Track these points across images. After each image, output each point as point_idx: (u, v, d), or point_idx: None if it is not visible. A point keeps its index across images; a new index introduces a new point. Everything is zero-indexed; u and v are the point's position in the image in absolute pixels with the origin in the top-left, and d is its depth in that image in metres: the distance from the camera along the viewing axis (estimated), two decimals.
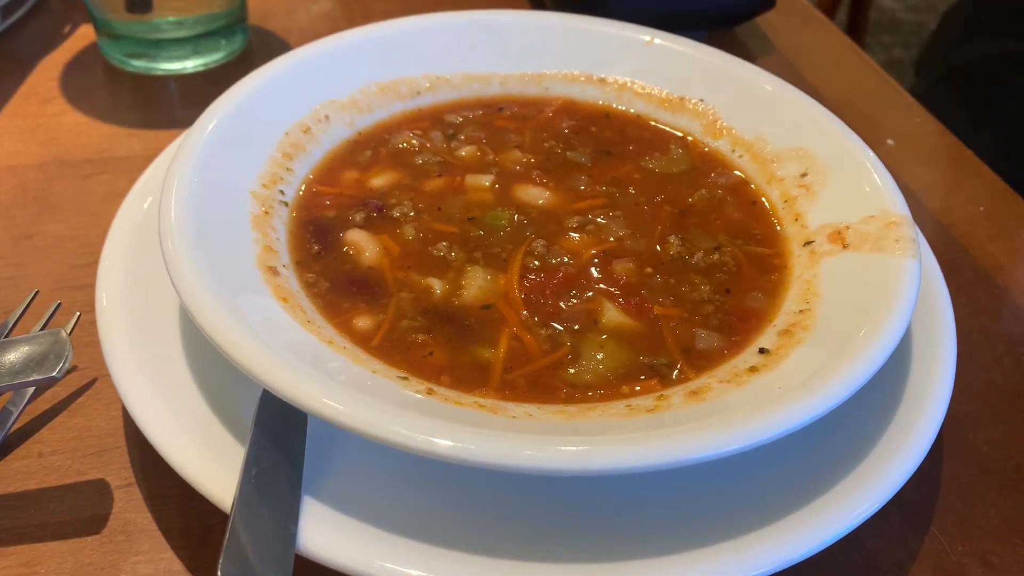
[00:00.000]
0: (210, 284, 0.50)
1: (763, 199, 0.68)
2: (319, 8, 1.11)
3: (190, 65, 0.94)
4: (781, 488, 0.49)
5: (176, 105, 0.92)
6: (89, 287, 0.60)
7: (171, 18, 0.92)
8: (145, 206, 0.63)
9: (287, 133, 0.67)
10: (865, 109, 0.99)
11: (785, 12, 1.11)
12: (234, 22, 0.96)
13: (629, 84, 0.77)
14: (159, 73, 0.94)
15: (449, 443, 0.42)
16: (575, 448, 0.42)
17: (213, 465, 0.48)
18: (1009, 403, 0.64)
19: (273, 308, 0.53)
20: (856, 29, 2.66)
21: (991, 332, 0.70)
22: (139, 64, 0.94)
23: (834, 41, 1.14)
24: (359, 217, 0.64)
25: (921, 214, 0.82)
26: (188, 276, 0.50)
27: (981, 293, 0.74)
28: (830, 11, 2.64)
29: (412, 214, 0.65)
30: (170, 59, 0.94)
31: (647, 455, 0.42)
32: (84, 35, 0.99)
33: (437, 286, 0.59)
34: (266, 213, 0.60)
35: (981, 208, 0.84)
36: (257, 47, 1.01)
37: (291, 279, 0.57)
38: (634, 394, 0.52)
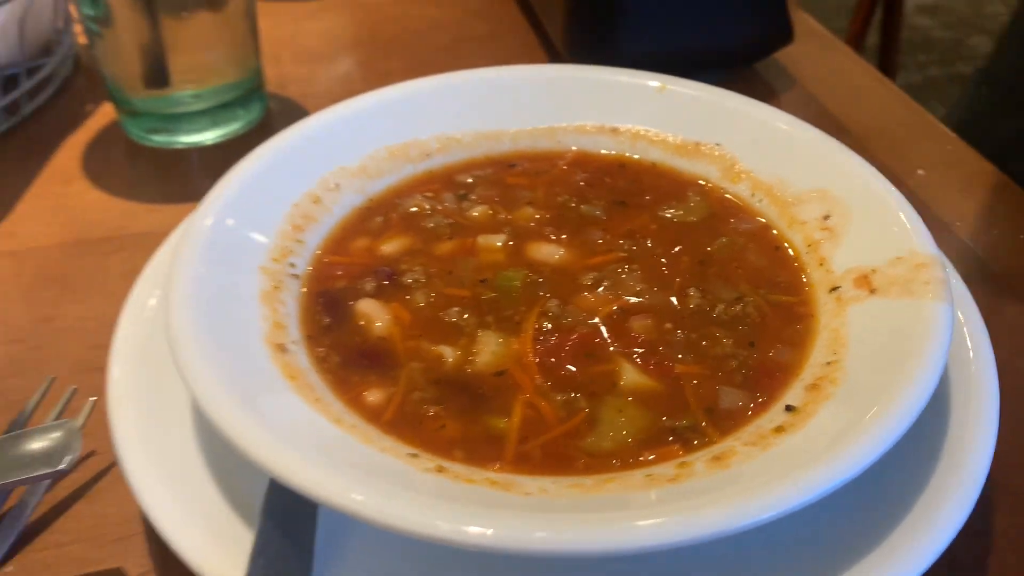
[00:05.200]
0: (216, 369, 0.49)
1: (785, 244, 0.66)
2: (336, 71, 1.12)
3: (209, 137, 0.95)
4: (815, 554, 0.47)
5: (197, 177, 0.93)
6: (106, 369, 0.60)
7: (188, 91, 0.93)
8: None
9: (296, 205, 0.66)
10: (893, 138, 0.96)
11: (804, 43, 1.09)
12: (250, 91, 0.97)
13: (643, 132, 0.76)
14: (179, 147, 0.95)
15: (453, 527, 0.41)
16: (588, 529, 0.40)
17: (224, 555, 0.47)
18: None
19: (281, 388, 0.52)
20: (888, 50, 2.62)
21: None
22: (159, 139, 0.95)
23: (857, 69, 1.11)
24: (369, 286, 0.63)
25: (956, 247, 0.79)
26: (193, 363, 0.49)
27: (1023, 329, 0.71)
28: (860, 34, 2.61)
29: (423, 279, 0.63)
30: (189, 132, 0.94)
31: (662, 533, 0.40)
32: (106, 113, 1.01)
33: (448, 354, 0.57)
34: (276, 288, 0.60)
35: (1021, 237, 0.81)
36: (276, 115, 1.01)
37: (300, 355, 0.56)
38: (654, 462, 0.50)
